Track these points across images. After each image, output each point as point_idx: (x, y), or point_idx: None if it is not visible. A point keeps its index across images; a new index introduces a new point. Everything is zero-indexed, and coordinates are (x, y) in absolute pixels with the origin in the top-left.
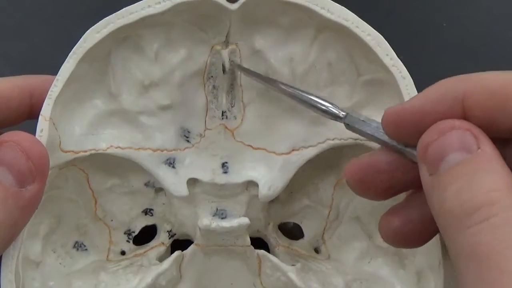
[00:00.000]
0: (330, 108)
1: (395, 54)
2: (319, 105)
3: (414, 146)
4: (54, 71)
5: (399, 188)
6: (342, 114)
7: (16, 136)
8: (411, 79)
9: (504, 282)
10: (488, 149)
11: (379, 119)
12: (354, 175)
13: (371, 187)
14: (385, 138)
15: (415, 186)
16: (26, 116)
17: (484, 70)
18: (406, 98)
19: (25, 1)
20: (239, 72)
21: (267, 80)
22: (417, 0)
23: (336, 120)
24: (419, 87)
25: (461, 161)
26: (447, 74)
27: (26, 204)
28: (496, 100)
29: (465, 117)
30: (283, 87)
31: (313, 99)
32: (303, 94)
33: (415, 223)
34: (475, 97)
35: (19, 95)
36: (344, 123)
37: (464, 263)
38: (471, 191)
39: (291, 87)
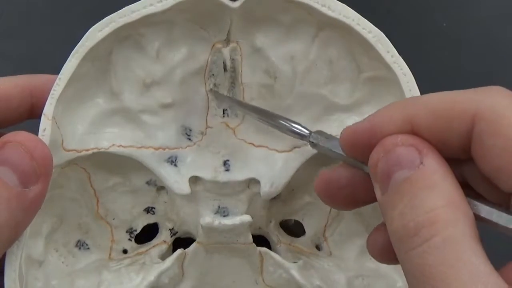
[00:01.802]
0: (296, 128)
1: (396, 51)
2: (285, 125)
3: None
4: (54, 71)
5: (364, 201)
6: (306, 133)
7: (20, 136)
8: (412, 76)
9: None
10: (431, 163)
11: None
12: (320, 189)
13: (336, 199)
14: (337, 150)
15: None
16: (27, 115)
17: (483, 70)
18: (407, 94)
19: (25, 1)
20: (240, 70)
21: (236, 103)
22: (417, 0)
23: (302, 139)
24: (419, 87)
25: (405, 179)
26: (447, 74)
27: (29, 204)
28: (441, 120)
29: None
30: (250, 111)
31: (280, 121)
32: (270, 116)
33: None
34: (422, 119)
35: (20, 95)
36: (309, 141)
37: (413, 284)
38: (412, 212)
39: (260, 110)
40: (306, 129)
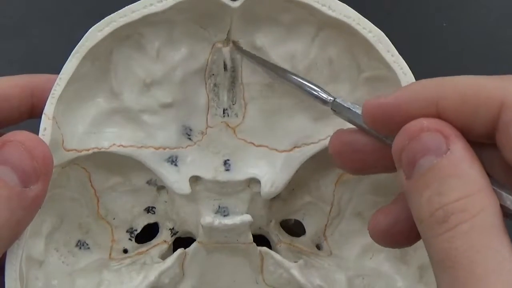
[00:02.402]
0: (319, 93)
1: (396, 51)
2: (308, 89)
3: (392, 136)
4: (54, 71)
5: (374, 168)
6: (330, 99)
7: (21, 135)
8: (412, 76)
9: (473, 284)
10: (458, 150)
11: None
12: (334, 148)
13: (347, 161)
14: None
15: (388, 170)
16: (27, 115)
17: (484, 70)
18: None
19: (25, 1)
20: (240, 70)
21: (262, 62)
22: (417, 0)
23: (324, 104)
24: None
25: (432, 166)
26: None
27: (30, 203)
28: (468, 105)
29: (439, 118)
30: (277, 71)
31: (303, 83)
32: (294, 77)
33: (402, 224)
34: (448, 102)
35: (20, 94)
36: (331, 108)
37: (439, 268)
38: (441, 200)
39: (285, 70)
40: (330, 95)
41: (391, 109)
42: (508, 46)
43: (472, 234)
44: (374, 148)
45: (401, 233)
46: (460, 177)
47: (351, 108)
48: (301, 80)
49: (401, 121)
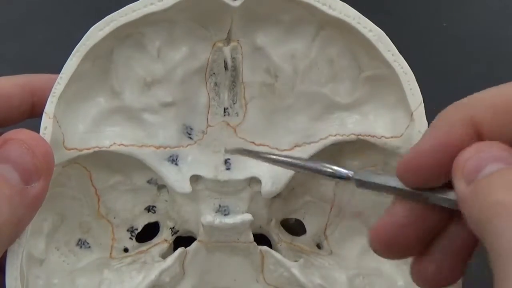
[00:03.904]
0: (338, 171)
1: (396, 50)
2: (325, 170)
3: (432, 189)
4: (54, 70)
5: (427, 239)
6: (350, 174)
7: (22, 134)
8: (413, 75)
9: None
10: None
11: (381, 116)
12: (378, 241)
13: (398, 246)
14: (400, 185)
15: (440, 229)
16: (28, 114)
17: (484, 70)
18: (408, 93)
19: (25, 1)
20: (241, 69)
21: (264, 157)
22: (417, 0)
23: (345, 181)
24: (420, 86)
25: (500, 168)
26: (448, 73)
27: (31, 201)
28: (500, 117)
29: (478, 137)
30: (283, 159)
31: (319, 166)
32: (308, 162)
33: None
34: (480, 118)
35: (21, 93)
36: (355, 180)
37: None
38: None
39: (292, 158)
40: (348, 170)
41: (433, 154)
42: (508, 46)
43: None
44: (421, 214)
45: (445, 276)
46: None
47: (374, 174)
48: (311, 164)
49: (446, 161)
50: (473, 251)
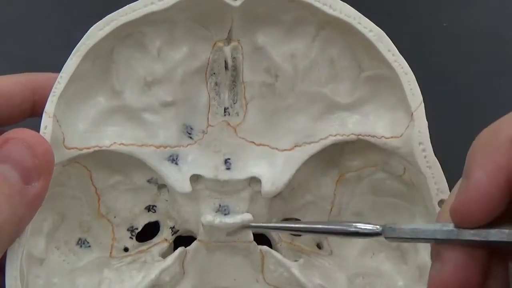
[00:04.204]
0: (367, 229)
1: (397, 50)
2: (353, 229)
3: (476, 228)
4: (54, 70)
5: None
6: (379, 229)
7: (22, 133)
8: (413, 75)
9: None
10: None
11: (381, 116)
12: None
13: None
14: (441, 235)
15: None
16: (29, 113)
17: (484, 70)
18: (408, 93)
19: (25, 1)
20: (241, 69)
21: (287, 227)
22: (417, 0)
23: (375, 237)
24: (420, 86)
25: None
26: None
27: (31, 201)
28: None
29: None
30: (305, 225)
31: (346, 226)
32: (334, 225)
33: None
34: None
35: (22, 92)
36: (384, 237)
37: None
38: None
39: (314, 223)
40: (375, 225)
41: (488, 189)
42: (508, 46)
43: None
44: (472, 258)
45: None
46: None
47: (404, 228)
48: (338, 225)
49: (506, 181)
50: None
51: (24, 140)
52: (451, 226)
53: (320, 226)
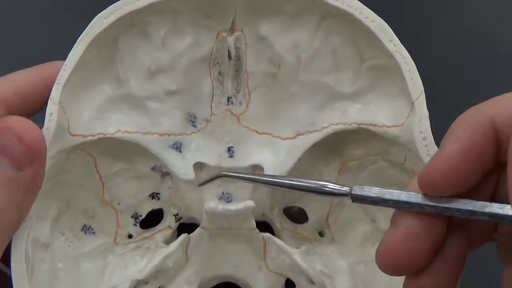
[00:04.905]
0: (335, 188)
1: (398, 40)
2: (321, 189)
3: (439, 198)
4: None
5: (434, 250)
6: (346, 190)
7: (9, 121)
8: (414, 65)
9: None
10: None
11: (383, 105)
12: (394, 253)
13: (412, 259)
14: (405, 198)
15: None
16: (43, 107)
17: (483, 70)
18: (410, 83)
19: (25, 1)
20: (244, 59)
21: (257, 179)
22: (417, 0)
23: (341, 197)
24: None
25: None
26: (447, 74)
27: (28, 185)
28: None
29: (497, 137)
30: (278, 180)
31: (314, 184)
32: (302, 181)
33: (444, 282)
34: (500, 120)
35: (37, 91)
36: (352, 199)
37: None
38: None
39: (285, 177)
40: (343, 185)
41: (459, 159)
42: (508, 46)
43: None
44: (427, 234)
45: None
46: None
47: (371, 190)
48: (307, 182)
49: (475, 159)
50: (463, 267)
51: (11, 128)
52: (416, 193)
53: (293, 182)
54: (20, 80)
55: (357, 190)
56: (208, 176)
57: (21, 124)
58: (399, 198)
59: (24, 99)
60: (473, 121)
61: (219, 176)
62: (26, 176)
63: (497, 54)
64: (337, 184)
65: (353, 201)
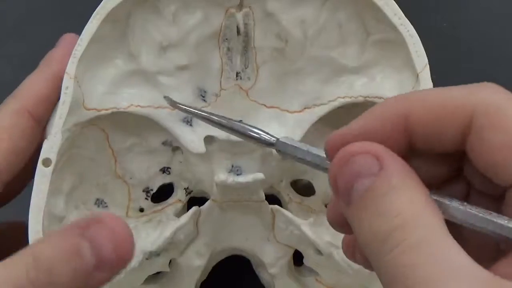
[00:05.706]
0: (262, 136)
1: (403, 14)
2: (250, 134)
3: None
4: None
5: None
6: (273, 140)
7: (115, 224)
8: (418, 38)
9: None
10: (390, 167)
11: (388, 78)
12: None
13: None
14: (318, 160)
15: None
16: None
17: (483, 70)
18: (414, 56)
19: (25, 1)
20: (252, 35)
21: (195, 113)
22: (417, 1)
23: (268, 147)
24: None
25: (367, 188)
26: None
27: (92, 286)
28: (437, 116)
29: (409, 134)
30: (213, 117)
31: (245, 128)
32: (234, 123)
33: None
34: (415, 116)
35: (55, 90)
36: (276, 149)
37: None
38: (380, 220)
39: (222, 117)
40: (273, 136)
41: (360, 135)
42: (508, 46)
43: (418, 248)
44: None
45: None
46: (394, 193)
47: (298, 146)
48: (242, 126)
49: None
50: None
51: (113, 232)
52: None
53: (232, 126)
54: (38, 85)
55: (281, 144)
56: (218, 148)
57: (122, 231)
58: (307, 158)
59: (45, 103)
60: (388, 110)
61: (172, 105)
62: (96, 277)
63: (496, 55)
64: (268, 134)
65: (277, 151)
